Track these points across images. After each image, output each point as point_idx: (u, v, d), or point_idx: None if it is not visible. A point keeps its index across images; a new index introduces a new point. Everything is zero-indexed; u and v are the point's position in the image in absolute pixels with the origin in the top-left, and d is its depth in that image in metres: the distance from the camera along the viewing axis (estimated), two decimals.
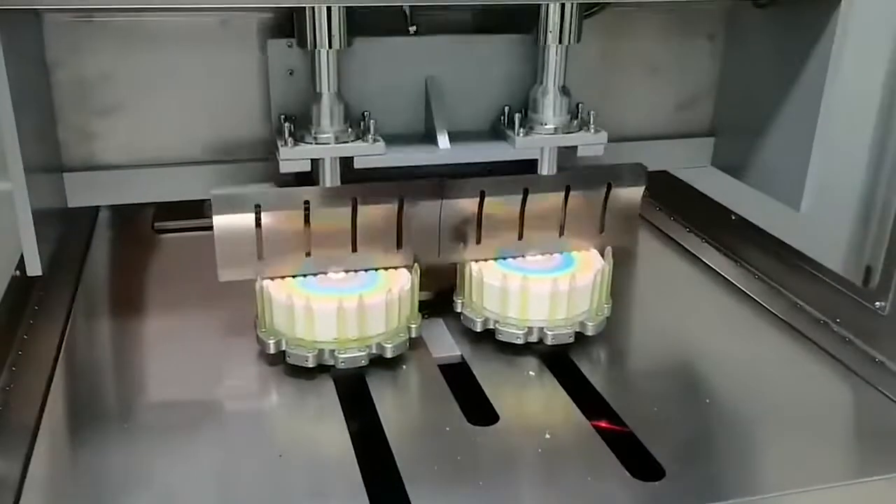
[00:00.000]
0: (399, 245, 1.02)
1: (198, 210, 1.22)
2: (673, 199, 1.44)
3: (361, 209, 0.98)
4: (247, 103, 0.99)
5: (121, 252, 1.33)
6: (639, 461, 0.84)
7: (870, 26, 0.94)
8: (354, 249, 1.00)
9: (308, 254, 0.99)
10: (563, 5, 0.91)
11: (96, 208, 1.41)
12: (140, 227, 1.38)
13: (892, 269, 0.99)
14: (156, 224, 1.38)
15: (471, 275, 1.04)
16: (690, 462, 0.84)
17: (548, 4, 0.92)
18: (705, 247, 1.33)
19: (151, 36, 0.94)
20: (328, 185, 0.94)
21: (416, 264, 1.03)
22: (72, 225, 1.26)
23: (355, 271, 1.03)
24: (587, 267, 1.05)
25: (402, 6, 0.97)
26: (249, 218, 0.96)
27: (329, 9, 0.86)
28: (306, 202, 0.96)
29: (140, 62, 0.95)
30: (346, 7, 0.87)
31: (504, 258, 1.07)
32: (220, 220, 0.95)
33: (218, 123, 1.00)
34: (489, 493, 0.80)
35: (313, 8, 0.86)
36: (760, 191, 1.08)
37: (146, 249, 1.32)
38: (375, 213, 0.99)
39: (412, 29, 0.98)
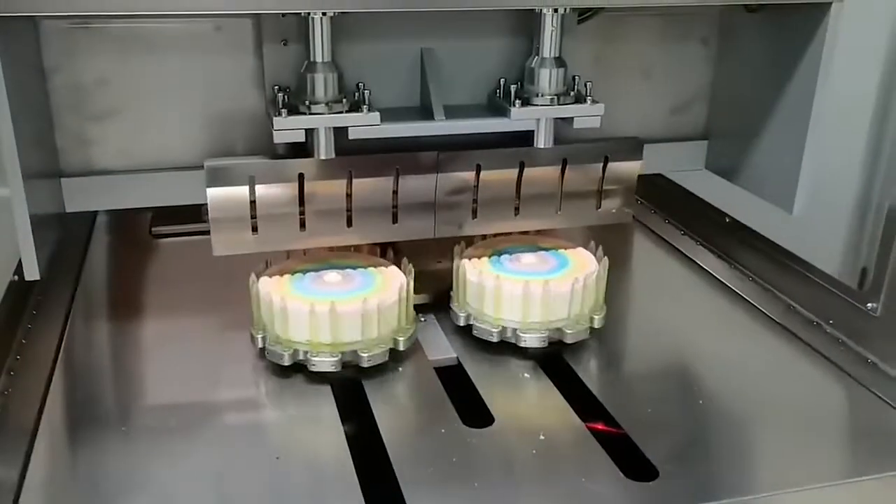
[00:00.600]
0: (395, 220, 1.02)
1: (195, 214, 1.23)
2: (668, 201, 1.45)
3: (356, 182, 0.97)
4: (243, 108, 1.00)
5: (118, 256, 1.33)
6: (632, 462, 0.85)
7: (860, 29, 0.95)
8: (349, 224, 1.00)
9: (303, 227, 0.99)
10: None
11: (94, 213, 1.42)
12: (137, 231, 1.38)
13: (883, 271, 1.00)
14: (153, 228, 1.38)
15: (465, 277, 1.04)
16: (684, 462, 0.85)
17: None
18: (700, 249, 1.34)
19: (147, 42, 0.94)
20: (323, 156, 0.93)
21: (410, 266, 1.03)
22: (70, 230, 1.26)
23: (353, 268, 1.04)
24: (582, 269, 1.06)
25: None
26: (243, 190, 0.95)
27: None
28: (301, 174, 0.96)
29: (136, 68, 0.95)
30: None
31: (501, 254, 1.08)
32: (213, 193, 0.95)
33: (214, 128, 1.00)
34: (484, 494, 0.80)
35: None
36: (753, 193, 1.09)
37: (143, 254, 1.32)
38: (371, 186, 0.98)
39: None
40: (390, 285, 1.01)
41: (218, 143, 1.01)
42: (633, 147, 1.07)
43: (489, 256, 1.08)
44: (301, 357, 0.96)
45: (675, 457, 0.86)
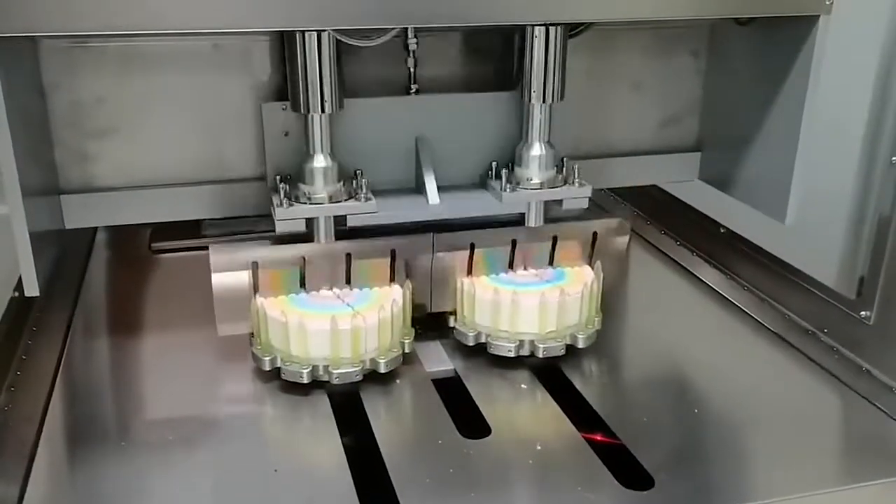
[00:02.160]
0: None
1: (194, 230, 1.24)
2: (663, 212, 1.46)
3: (355, 263, 1.02)
4: (240, 125, 1.01)
5: (118, 272, 1.34)
6: (628, 471, 0.85)
7: (851, 40, 0.96)
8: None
9: None
10: (546, 65, 0.95)
11: (94, 229, 1.43)
12: (137, 247, 1.39)
13: (876, 278, 1.00)
14: (152, 244, 1.39)
15: (462, 290, 1.05)
16: (679, 471, 0.86)
17: (531, 63, 0.95)
18: (696, 259, 1.35)
19: (146, 60, 0.95)
20: (323, 242, 0.97)
21: (408, 280, 1.04)
22: (69, 246, 1.27)
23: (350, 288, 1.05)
24: (577, 280, 1.07)
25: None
26: (247, 275, 1.00)
27: (321, 76, 0.90)
28: (303, 258, 1.00)
29: (135, 85, 0.96)
30: (338, 74, 0.91)
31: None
32: (218, 278, 0.99)
33: (212, 145, 1.01)
34: None
35: (306, 76, 0.90)
36: (746, 203, 1.09)
37: (143, 269, 1.33)
38: (369, 268, 1.03)
39: (414, 88, 1.03)
40: (388, 300, 1.02)
41: (215, 159, 1.02)
42: (619, 227, 1.12)
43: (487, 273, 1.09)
44: (320, 373, 0.97)
45: (672, 466, 0.86)
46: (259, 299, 1.00)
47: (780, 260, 1.17)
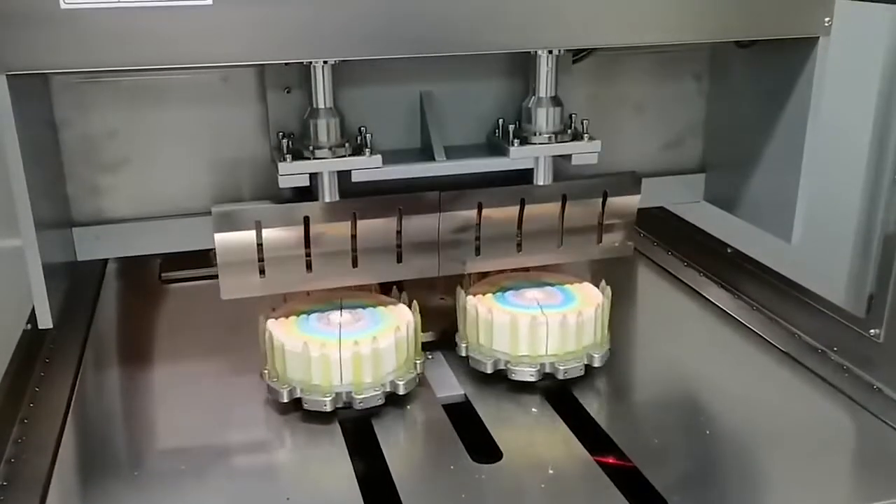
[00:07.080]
0: (399, 259, 1.04)
1: (204, 259, 1.25)
2: (670, 233, 1.46)
3: (361, 223, 1.00)
4: (249, 155, 1.02)
5: (129, 303, 1.35)
6: (641, 494, 0.85)
7: (850, 58, 0.97)
8: (355, 265, 1.02)
9: (309, 269, 1.01)
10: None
11: (105, 260, 1.44)
12: (147, 277, 1.40)
13: (884, 296, 1.01)
14: (163, 274, 1.40)
15: (476, 314, 1.05)
16: (692, 493, 0.85)
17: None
18: (703, 280, 1.35)
19: (156, 93, 0.97)
20: (327, 199, 0.95)
21: (414, 302, 1.05)
22: (80, 276, 1.28)
23: (362, 307, 1.06)
24: (585, 302, 1.07)
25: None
26: (250, 235, 0.98)
27: None
28: (306, 217, 0.98)
29: (145, 118, 0.98)
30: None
31: (506, 292, 1.09)
32: (221, 238, 0.97)
33: (222, 175, 1.02)
34: None
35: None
36: (752, 224, 1.10)
37: (154, 299, 1.34)
38: (375, 227, 1.01)
39: None
40: (398, 323, 1.02)
41: (225, 189, 1.03)
42: (631, 182, 1.09)
43: (493, 293, 1.09)
44: (298, 394, 0.97)
45: (684, 487, 0.86)
46: (270, 327, 1.01)
47: (787, 279, 1.18)
